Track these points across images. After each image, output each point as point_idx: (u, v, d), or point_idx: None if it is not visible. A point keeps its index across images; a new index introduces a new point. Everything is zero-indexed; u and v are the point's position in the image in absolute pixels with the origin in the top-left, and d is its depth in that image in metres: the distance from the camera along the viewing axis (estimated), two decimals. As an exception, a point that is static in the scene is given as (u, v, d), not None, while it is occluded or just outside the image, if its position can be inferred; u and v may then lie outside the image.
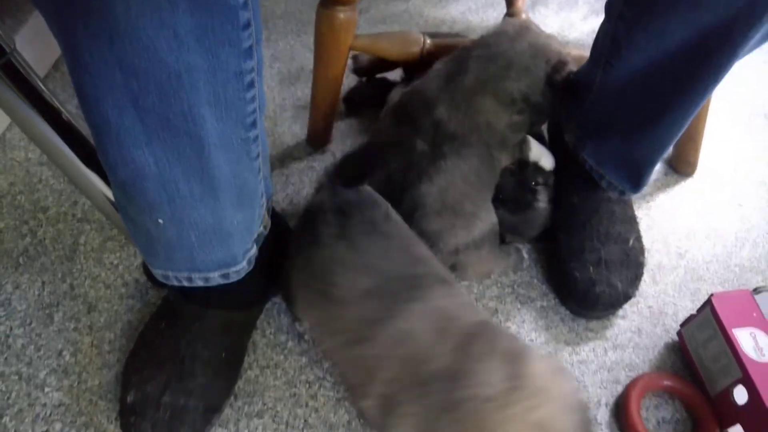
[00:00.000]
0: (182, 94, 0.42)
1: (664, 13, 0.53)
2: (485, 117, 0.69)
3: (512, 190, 0.76)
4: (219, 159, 0.48)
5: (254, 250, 0.60)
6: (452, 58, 0.74)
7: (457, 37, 0.93)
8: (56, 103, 0.58)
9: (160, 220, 0.50)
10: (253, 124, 0.50)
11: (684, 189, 0.91)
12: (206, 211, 0.50)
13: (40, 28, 0.94)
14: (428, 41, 0.82)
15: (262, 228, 0.61)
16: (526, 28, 0.74)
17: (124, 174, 0.46)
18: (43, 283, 0.72)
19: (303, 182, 0.87)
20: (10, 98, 0.56)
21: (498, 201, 0.75)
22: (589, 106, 0.69)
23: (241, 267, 0.58)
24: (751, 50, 0.55)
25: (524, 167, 0.75)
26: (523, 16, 0.93)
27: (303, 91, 1.01)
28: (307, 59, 1.07)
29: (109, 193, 0.63)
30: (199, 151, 0.46)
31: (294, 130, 0.95)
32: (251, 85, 0.47)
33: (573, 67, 0.71)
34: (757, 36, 0.52)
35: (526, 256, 0.78)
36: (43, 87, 0.57)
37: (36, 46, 0.94)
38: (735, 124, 1.03)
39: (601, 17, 0.65)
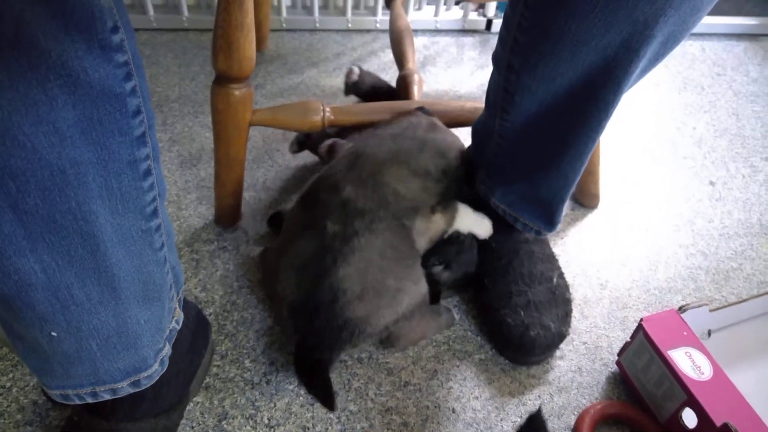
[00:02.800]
0: (68, 192, 0.39)
1: (550, 58, 0.56)
2: (392, 186, 0.68)
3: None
4: (118, 255, 0.44)
5: (167, 349, 0.54)
6: (361, 138, 0.75)
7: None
8: None
9: (54, 333, 0.44)
10: (154, 213, 0.46)
11: (592, 221, 0.95)
12: (107, 314, 0.45)
13: None
14: (328, 110, 0.82)
15: (174, 323, 0.56)
16: (436, 124, 0.78)
17: (6, 287, 0.40)
18: None
19: (215, 265, 0.83)
20: None
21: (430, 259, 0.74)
22: (492, 154, 0.71)
23: (153, 370, 0.52)
24: (634, 83, 0.59)
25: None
26: (415, 76, 0.96)
27: (206, 171, 0.98)
28: (207, 139, 1.04)
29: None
30: (94, 250, 0.42)
31: (200, 211, 0.91)
32: (148, 172, 0.44)
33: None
34: (637, 70, 0.56)
35: (456, 315, 0.77)
36: None
37: None
38: (630, 154, 1.11)
39: (487, 70, 0.68)
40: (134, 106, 0.41)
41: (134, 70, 0.40)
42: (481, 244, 0.76)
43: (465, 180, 0.76)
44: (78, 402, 0.51)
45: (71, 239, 0.40)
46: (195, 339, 0.64)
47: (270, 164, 1.01)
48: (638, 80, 0.59)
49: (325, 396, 0.66)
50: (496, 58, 0.64)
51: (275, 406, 0.67)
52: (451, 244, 0.74)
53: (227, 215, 0.88)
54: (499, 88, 0.63)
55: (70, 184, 0.38)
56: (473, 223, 0.75)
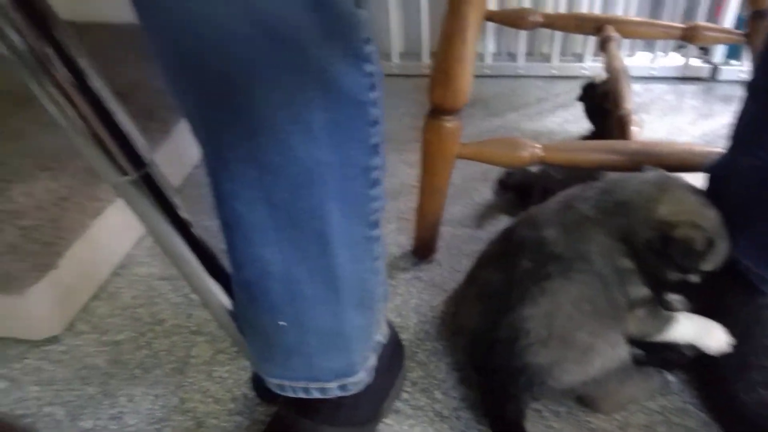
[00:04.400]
0: (312, 190, 0.42)
1: None
2: (597, 246, 0.61)
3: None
4: (343, 257, 0.46)
5: (373, 360, 0.56)
6: (576, 188, 0.69)
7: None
8: (187, 216, 0.60)
9: (282, 323, 0.48)
10: (376, 223, 0.49)
11: None
12: (328, 313, 0.48)
13: (173, 146, 1.04)
14: (537, 146, 0.80)
15: (379, 335, 0.57)
16: (668, 185, 0.62)
17: (250, 273, 0.45)
18: (156, 396, 0.71)
19: (411, 293, 0.84)
20: (146, 209, 0.58)
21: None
22: (735, 199, 0.62)
23: (360, 378, 0.54)
24: None
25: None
26: (634, 116, 0.90)
27: (406, 204, 1.01)
28: (408, 175, 1.08)
29: (227, 303, 0.63)
30: (324, 249, 0.45)
31: (399, 240, 0.94)
32: (376, 182, 0.46)
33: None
34: None
35: (672, 378, 0.68)
36: (176, 200, 0.59)
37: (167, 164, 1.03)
38: None
39: (713, 120, 0.61)
40: (374, 115, 0.43)
41: (377, 82, 0.43)
42: (713, 306, 0.66)
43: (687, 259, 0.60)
44: (291, 395, 0.54)
45: (307, 236, 0.44)
46: (392, 359, 0.65)
47: (467, 201, 1.02)
48: None
49: None
50: (755, 86, 0.57)
51: (463, 442, 0.64)
52: (666, 348, 0.65)
53: (424, 247, 0.90)
54: (755, 120, 0.56)
55: (314, 183, 0.42)
56: (697, 334, 0.63)
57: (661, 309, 0.62)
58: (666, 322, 0.62)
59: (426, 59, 1.37)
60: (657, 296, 0.62)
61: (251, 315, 0.50)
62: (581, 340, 0.59)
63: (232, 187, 0.42)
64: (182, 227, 0.59)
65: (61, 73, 0.46)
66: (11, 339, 0.80)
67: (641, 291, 0.61)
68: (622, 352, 0.61)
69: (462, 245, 0.92)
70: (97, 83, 0.49)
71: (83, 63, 0.48)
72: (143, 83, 1.10)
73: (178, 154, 1.09)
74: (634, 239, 0.60)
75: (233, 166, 0.40)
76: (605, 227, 0.61)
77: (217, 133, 0.40)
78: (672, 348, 0.66)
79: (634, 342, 0.63)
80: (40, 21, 0.45)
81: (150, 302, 0.84)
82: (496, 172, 1.01)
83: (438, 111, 0.75)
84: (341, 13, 0.38)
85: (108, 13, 1.29)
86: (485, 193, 1.03)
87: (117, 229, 0.91)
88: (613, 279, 0.60)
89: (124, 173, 0.55)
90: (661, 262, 0.59)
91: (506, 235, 0.69)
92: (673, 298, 0.63)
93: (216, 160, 0.41)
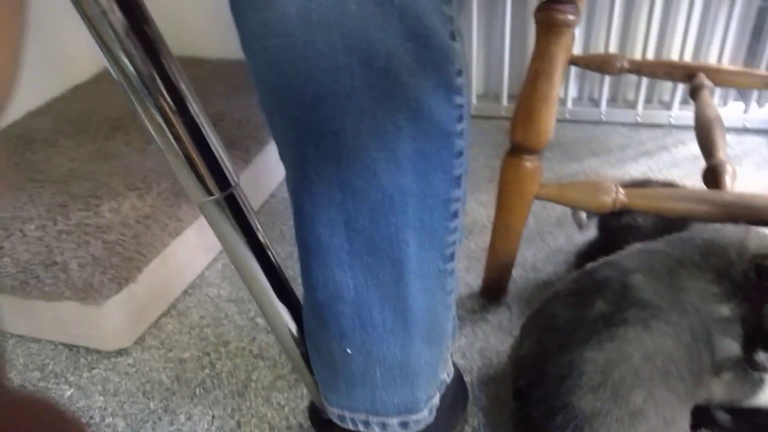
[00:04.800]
0: (391, 217, 0.41)
1: None
2: (693, 295, 0.56)
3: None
4: (415, 288, 0.45)
5: (436, 399, 0.53)
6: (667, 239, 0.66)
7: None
8: (265, 239, 0.61)
9: (349, 350, 0.47)
10: (452, 257, 0.47)
11: None
12: (395, 344, 0.47)
13: (252, 175, 1.07)
14: (621, 192, 0.76)
15: (445, 374, 0.55)
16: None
17: (323, 295, 0.45)
18: (213, 417, 0.71)
19: (476, 335, 0.81)
20: (226, 228, 0.60)
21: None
22: None
23: (422, 416, 0.52)
24: None
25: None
26: (728, 166, 0.84)
27: (476, 244, 0.99)
28: (480, 214, 1.06)
29: (294, 329, 0.62)
30: (398, 279, 0.44)
31: (467, 280, 0.91)
32: (455, 215, 0.45)
33: None
34: None
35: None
36: (256, 223, 0.61)
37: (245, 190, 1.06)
38: None
39: None
40: (459, 147, 0.43)
41: (465, 113, 0.43)
42: None
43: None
44: (350, 427, 0.53)
45: (382, 263, 0.43)
46: (454, 401, 0.62)
47: (541, 245, 0.98)
48: None
49: None
50: None
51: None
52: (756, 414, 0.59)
53: (494, 288, 0.87)
54: None
55: (394, 211, 0.41)
56: None
57: (750, 371, 0.56)
58: (757, 385, 0.57)
59: (505, 102, 1.36)
60: (747, 355, 0.56)
61: (320, 339, 0.49)
62: (634, 401, 0.53)
63: (313, 209, 0.42)
64: (259, 249, 0.61)
65: (164, 97, 0.49)
66: (84, 348, 0.83)
67: (732, 348, 0.56)
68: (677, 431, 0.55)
69: (533, 290, 0.88)
70: (195, 107, 0.52)
71: (184, 88, 0.51)
72: (229, 114, 1.16)
73: (257, 183, 1.12)
74: (732, 275, 0.55)
75: (317, 188, 0.41)
76: (700, 271, 0.57)
77: (304, 154, 0.40)
78: (764, 414, 0.59)
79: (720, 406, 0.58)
80: (150, 47, 0.48)
81: (217, 323, 0.86)
82: (571, 218, 0.97)
83: (518, 150, 0.73)
84: (436, 45, 0.38)
85: (202, 48, 1.37)
86: (560, 238, 0.99)
87: (193, 250, 0.94)
88: (703, 333, 0.56)
89: (210, 193, 0.58)
90: (761, 298, 0.54)
91: (584, 275, 0.65)
92: (765, 357, 0.57)
93: (301, 181, 0.42)
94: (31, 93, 1.27)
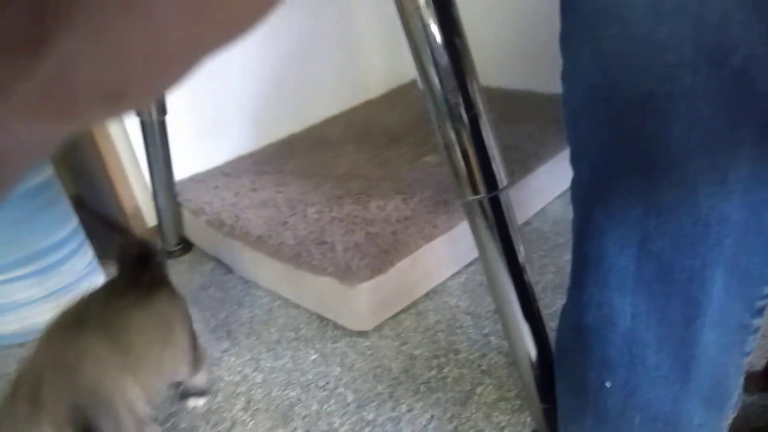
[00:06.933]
0: (701, 248, 0.36)
1: None
2: None
3: None
4: (709, 338, 0.38)
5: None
6: None
7: None
8: (522, 252, 0.60)
9: (608, 384, 0.42)
10: (760, 312, 0.39)
11: None
12: (666, 394, 0.40)
13: (522, 192, 1.08)
14: None
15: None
16: None
17: (591, 318, 0.41)
18: (432, 416, 0.72)
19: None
20: (484, 232, 0.61)
21: None
22: None
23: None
24: None
25: None
26: None
27: None
28: None
29: (533, 353, 0.60)
30: (689, 321, 0.38)
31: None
32: None
33: None
34: None
35: None
36: (517, 234, 0.61)
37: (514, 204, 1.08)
38: None
39: None
40: None
41: None
42: None
43: None
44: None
45: (674, 298, 0.38)
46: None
47: None
48: None
49: None
50: None
51: None
52: None
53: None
54: None
55: (706, 241, 0.35)
56: None
57: None
58: None
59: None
60: None
61: (575, 365, 0.45)
62: None
63: (605, 221, 0.39)
64: (513, 259, 0.60)
65: (462, 115, 0.54)
66: (332, 322, 0.92)
67: None
68: None
69: None
70: (481, 107, 0.55)
71: (474, 87, 0.55)
72: (500, 139, 1.18)
73: (515, 208, 1.12)
74: None
75: (614, 199, 0.38)
76: None
77: (609, 160, 0.37)
78: None
79: None
80: (461, 71, 0.53)
81: (450, 331, 0.87)
82: None
83: None
84: None
85: (496, 79, 1.42)
86: None
87: (441, 258, 0.98)
88: None
89: (477, 192, 0.60)
90: None
91: None
92: None
93: (596, 189, 0.39)
94: (330, 103, 1.49)
